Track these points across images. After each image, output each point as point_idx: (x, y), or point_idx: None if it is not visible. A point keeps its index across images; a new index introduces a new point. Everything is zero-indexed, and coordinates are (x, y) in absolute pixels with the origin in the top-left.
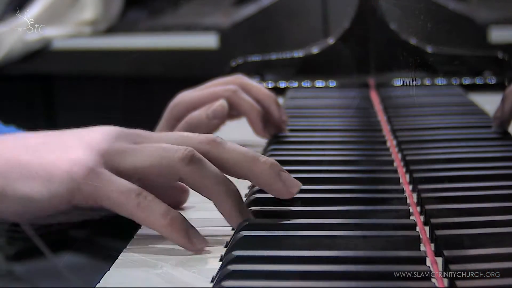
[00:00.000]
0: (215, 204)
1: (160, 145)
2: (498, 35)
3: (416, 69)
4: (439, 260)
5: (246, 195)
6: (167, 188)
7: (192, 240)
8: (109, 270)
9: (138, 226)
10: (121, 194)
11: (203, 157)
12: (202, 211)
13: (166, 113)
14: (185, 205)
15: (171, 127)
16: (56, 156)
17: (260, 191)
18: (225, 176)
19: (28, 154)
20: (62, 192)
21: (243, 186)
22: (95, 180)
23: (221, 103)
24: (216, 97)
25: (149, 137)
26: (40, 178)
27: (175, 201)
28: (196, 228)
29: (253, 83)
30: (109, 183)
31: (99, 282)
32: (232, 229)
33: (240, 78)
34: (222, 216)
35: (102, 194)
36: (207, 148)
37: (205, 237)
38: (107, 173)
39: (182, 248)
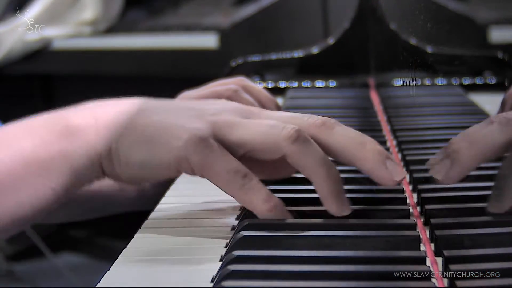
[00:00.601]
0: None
1: (268, 121)
2: (498, 35)
3: (416, 69)
4: (439, 260)
5: None
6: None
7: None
8: (109, 270)
9: (138, 227)
10: (228, 173)
11: (310, 138)
12: (202, 210)
13: None
14: (186, 204)
15: None
16: (169, 122)
17: None
18: (329, 160)
19: (142, 118)
20: (171, 158)
21: None
22: (205, 151)
23: None
24: (217, 96)
25: (260, 114)
26: (153, 143)
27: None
28: (197, 227)
29: (255, 85)
30: (219, 158)
31: (99, 282)
32: (232, 229)
33: (242, 80)
34: (228, 215)
35: (210, 168)
36: (316, 131)
37: (206, 239)
38: (217, 147)
39: (182, 248)
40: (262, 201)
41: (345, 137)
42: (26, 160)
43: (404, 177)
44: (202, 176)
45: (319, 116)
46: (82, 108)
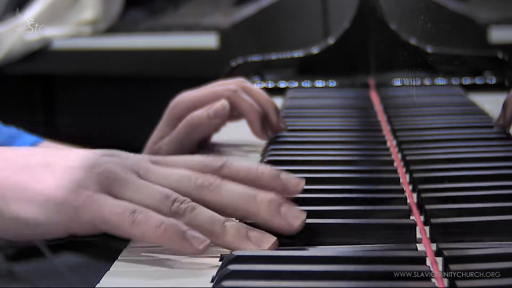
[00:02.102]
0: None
1: (157, 189)
2: (498, 35)
3: (416, 69)
4: (439, 260)
5: None
6: None
7: (190, 242)
8: (109, 270)
9: None
10: (115, 215)
11: (194, 204)
12: None
13: (166, 112)
14: None
15: (172, 127)
16: (54, 181)
17: None
18: (218, 217)
19: (27, 175)
20: (59, 219)
21: None
22: (91, 206)
23: (223, 103)
24: (217, 96)
25: (151, 172)
26: (38, 202)
27: None
28: None
29: (255, 87)
30: (104, 205)
31: (99, 282)
32: None
33: (241, 81)
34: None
35: (99, 219)
36: (203, 193)
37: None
38: (102, 197)
39: None
40: (154, 228)
41: (233, 194)
42: None
43: (304, 220)
44: (96, 232)
45: (204, 176)
46: None
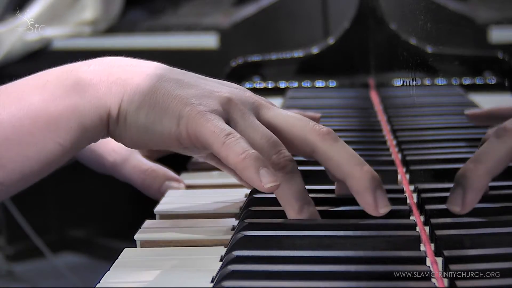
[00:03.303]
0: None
1: (267, 135)
2: (498, 35)
3: (416, 69)
4: (439, 260)
5: (246, 195)
6: None
7: (260, 178)
8: (109, 270)
9: (138, 227)
10: (213, 134)
11: (295, 170)
12: (203, 210)
13: None
14: (187, 204)
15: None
16: (180, 94)
17: (260, 191)
18: (306, 194)
19: (156, 84)
20: (174, 128)
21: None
22: (199, 120)
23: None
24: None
25: (269, 108)
26: (161, 110)
27: None
28: (197, 227)
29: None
30: (209, 123)
31: (99, 282)
32: (232, 229)
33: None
34: (223, 217)
35: (199, 133)
36: (316, 139)
37: (206, 239)
38: (213, 116)
39: (182, 249)
40: (236, 154)
41: (343, 152)
42: (35, 114)
43: (388, 211)
44: (199, 145)
45: (323, 126)
46: (95, 63)
